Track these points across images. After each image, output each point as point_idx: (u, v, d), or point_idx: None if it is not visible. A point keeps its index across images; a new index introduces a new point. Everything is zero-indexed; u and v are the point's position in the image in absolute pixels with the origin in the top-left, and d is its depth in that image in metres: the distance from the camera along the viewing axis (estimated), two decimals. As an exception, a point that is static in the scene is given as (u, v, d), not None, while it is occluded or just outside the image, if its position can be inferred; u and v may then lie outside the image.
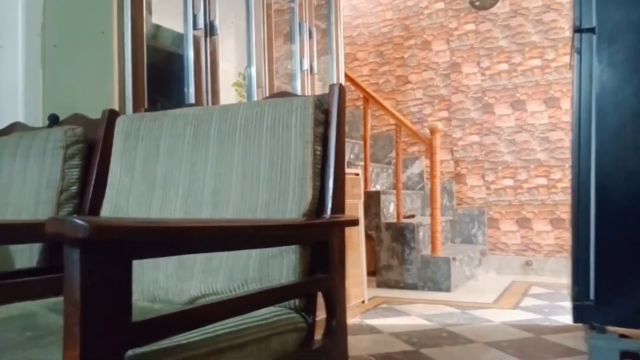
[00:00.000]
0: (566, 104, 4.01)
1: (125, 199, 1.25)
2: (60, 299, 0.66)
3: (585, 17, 1.73)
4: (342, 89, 1.08)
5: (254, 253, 1.06)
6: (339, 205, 1.06)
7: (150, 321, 0.68)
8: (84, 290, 0.59)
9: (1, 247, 1.46)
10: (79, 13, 1.79)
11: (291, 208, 1.02)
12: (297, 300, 1.05)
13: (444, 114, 4.47)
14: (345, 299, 1.11)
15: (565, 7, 4.02)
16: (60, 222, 0.57)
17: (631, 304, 1.83)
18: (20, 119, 1.83)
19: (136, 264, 0.63)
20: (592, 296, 1.94)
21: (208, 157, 1.16)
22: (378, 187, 4.21)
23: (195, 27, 1.96)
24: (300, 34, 2.65)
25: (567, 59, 3.97)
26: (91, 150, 1.53)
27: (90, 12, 1.75)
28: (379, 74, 4.77)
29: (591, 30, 1.74)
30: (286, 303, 1.04)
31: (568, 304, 2.80)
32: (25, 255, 1.45)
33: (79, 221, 0.55)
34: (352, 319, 2.67)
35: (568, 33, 4.00)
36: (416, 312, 2.84)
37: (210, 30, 2.02)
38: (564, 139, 4.00)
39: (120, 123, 1.33)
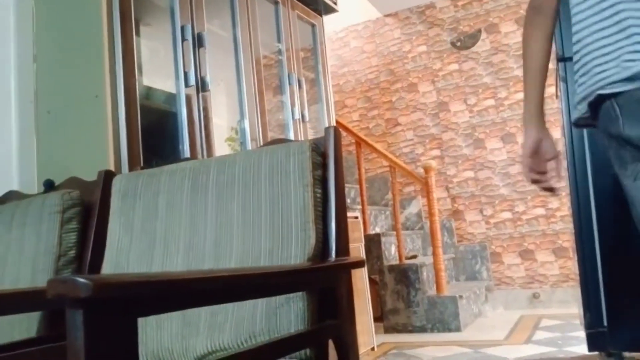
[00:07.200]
0: (555, 133, 4.06)
1: (126, 258, 1.23)
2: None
3: (568, 46, 1.78)
4: (337, 131, 1.08)
5: (260, 303, 1.03)
6: (343, 248, 1.04)
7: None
8: (89, 354, 0.57)
9: (-1, 319, 1.42)
10: (72, 78, 1.81)
11: (295, 254, 1.00)
12: (307, 350, 1.01)
13: (436, 152, 4.51)
14: (357, 345, 1.08)
15: (544, 41, 4.13)
16: (62, 282, 0.55)
17: (647, 328, 1.79)
18: (15, 187, 1.82)
19: (139, 326, 0.60)
20: (605, 323, 1.90)
21: (207, 209, 1.15)
22: (377, 230, 4.19)
23: (186, 84, 1.99)
24: (290, 84, 2.70)
25: (552, 90, 4.05)
26: (89, 213, 1.51)
27: (83, 77, 1.78)
28: (369, 119, 4.84)
29: (574, 58, 1.77)
30: (297, 354, 1.00)
31: (581, 334, 2.73)
32: (24, 326, 1.40)
33: (81, 279, 0.54)
34: (363, 368, 2.59)
35: (550, 65, 4.09)
36: (428, 356, 2.76)
37: (202, 86, 2.05)
38: (558, 168, 4.02)
39: (117, 182, 1.32)
